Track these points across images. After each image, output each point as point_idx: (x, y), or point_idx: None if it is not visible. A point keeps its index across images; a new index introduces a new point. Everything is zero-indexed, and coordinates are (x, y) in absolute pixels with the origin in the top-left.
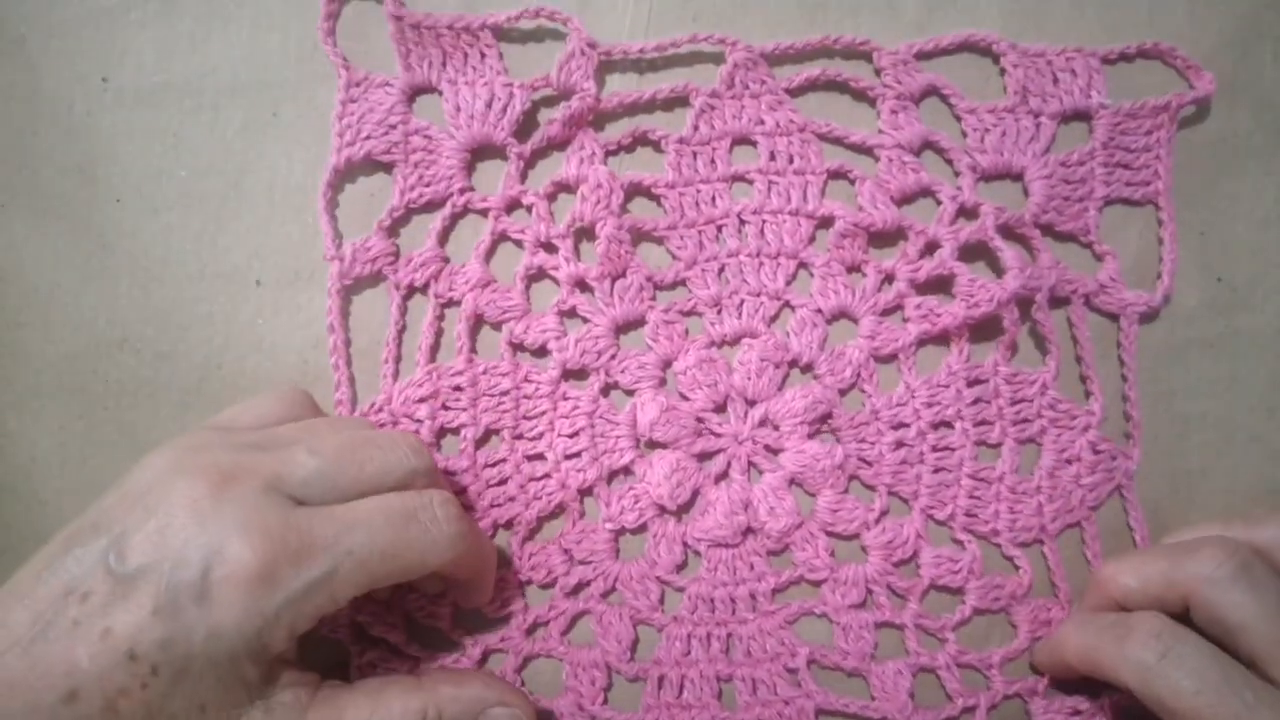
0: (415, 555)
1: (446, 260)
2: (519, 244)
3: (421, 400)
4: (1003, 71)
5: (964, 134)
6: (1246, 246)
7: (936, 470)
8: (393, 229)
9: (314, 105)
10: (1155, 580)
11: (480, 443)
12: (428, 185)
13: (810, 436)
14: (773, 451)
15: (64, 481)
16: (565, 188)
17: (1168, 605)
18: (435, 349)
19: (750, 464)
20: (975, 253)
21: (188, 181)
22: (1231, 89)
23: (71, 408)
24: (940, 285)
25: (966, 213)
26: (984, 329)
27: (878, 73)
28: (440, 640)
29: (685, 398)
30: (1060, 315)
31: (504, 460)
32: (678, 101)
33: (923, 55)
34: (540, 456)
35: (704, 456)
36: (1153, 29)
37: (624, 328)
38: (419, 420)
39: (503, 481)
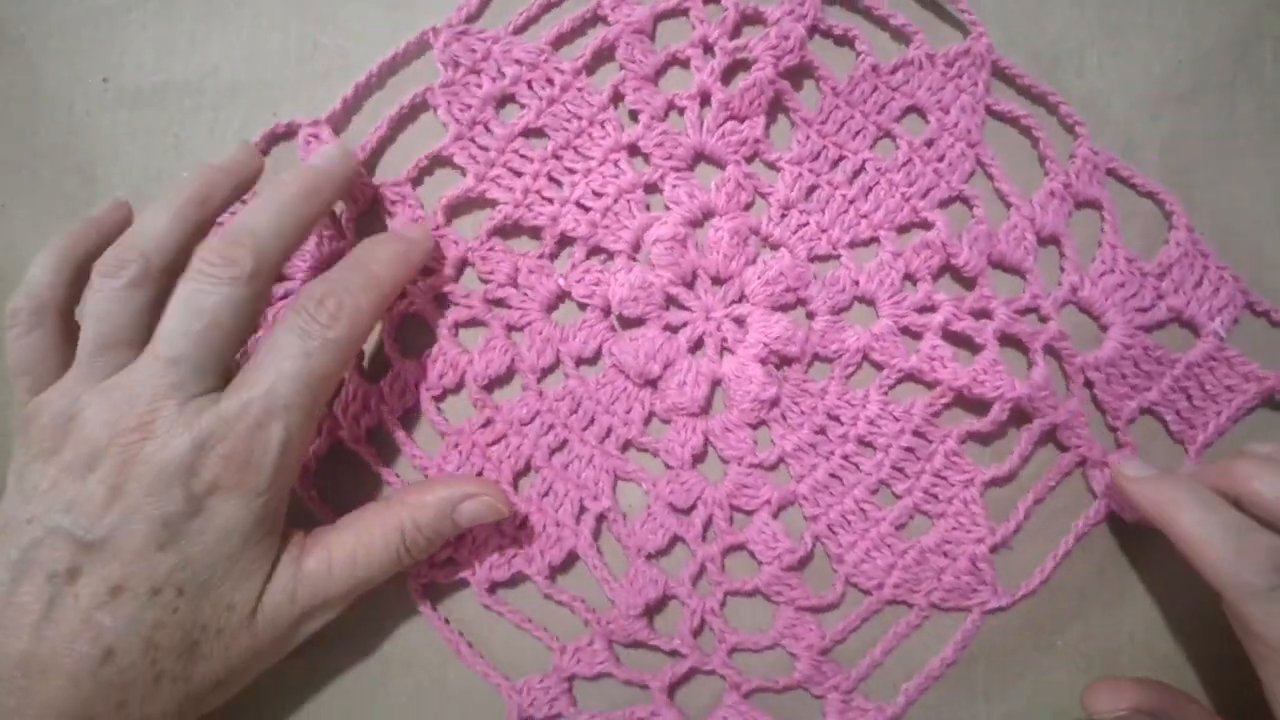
0: (336, 364)
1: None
2: (692, 26)
3: (518, 63)
4: (1165, 241)
5: (1093, 259)
6: (1246, 246)
7: (833, 475)
8: None
9: (314, 105)
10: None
11: (529, 133)
12: None
13: (762, 362)
14: (725, 349)
15: None
16: (760, 21)
17: None
18: (561, 42)
19: (701, 341)
20: (1015, 343)
21: None
22: (1232, 89)
23: None
24: (966, 345)
25: (1038, 314)
26: (978, 407)
27: (1071, 156)
28: None
29: (700, 250)
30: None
31: (531, 160)
32: (899, 36)
33: (1112, 174)
34: (558, 183)
35: (672, 301)
36: (1153, 29)
37: (704, 159)
38: (500, 74)
39: (517, 174)
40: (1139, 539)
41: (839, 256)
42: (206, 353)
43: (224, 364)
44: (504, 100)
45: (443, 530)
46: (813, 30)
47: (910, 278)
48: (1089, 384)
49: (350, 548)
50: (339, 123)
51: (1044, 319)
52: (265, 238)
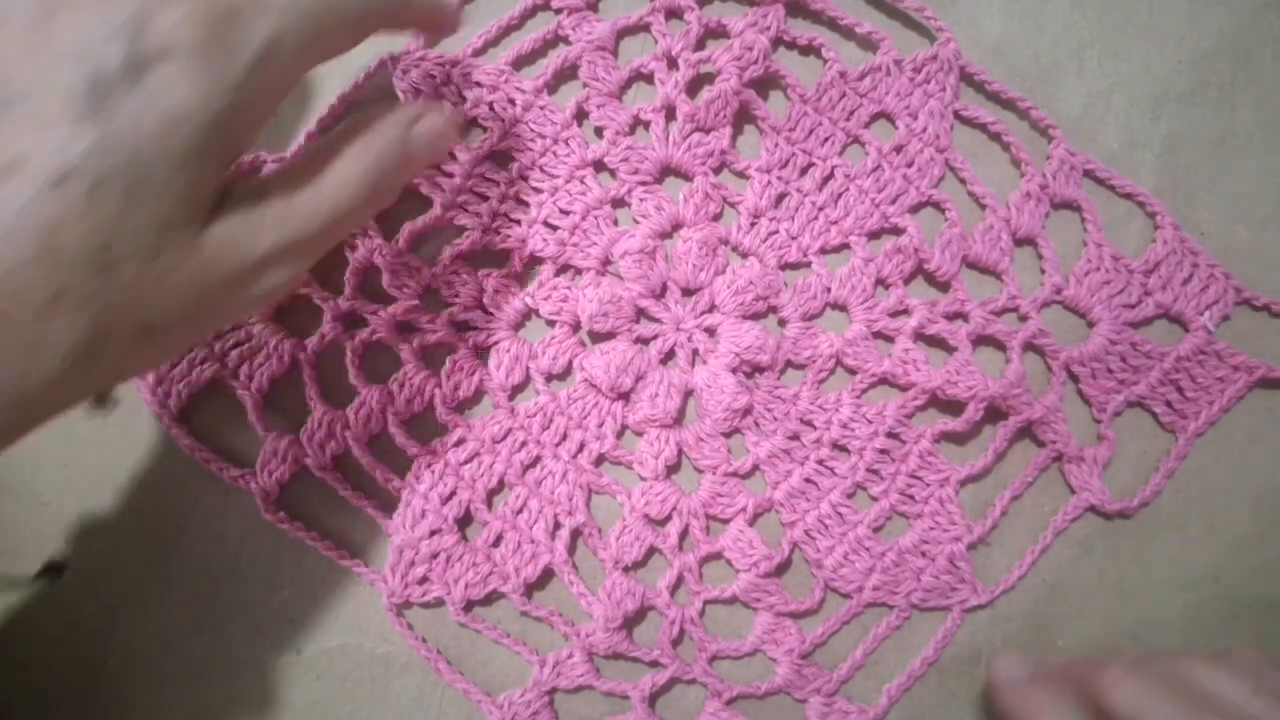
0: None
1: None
2: (654, 41)
3: (479, 85)
4: (1153, 240)
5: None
6: (1246, 246)
7: (808, 480)
8: None
9: (313, 105)
10: None
11: (493, 156)
12: None
13: (733, 370)
14: (698, 357)
15: (64, 481)
16: (724, 34)
17: None
18: (521, 63)
19: (672, 353)
20: (996, 343)
21: None
22: (1232, 89)
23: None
24: (941, 346)
25: (1017, 314)
26: (952, 406)
27: (1048, 158)
28: None
29: (669, 262)
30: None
31: (497, 183)
32: (867, 44)
33: (1089, 174)
34: (524, 204)
35: (642, 314)
36: (1152, 29)
37: (671, 172)
38: (461, 99)
39: (483, 198)
40: (1138, 538)
41: (810, 264)
42: None
43: None
44: (467, 126)
45: (394, 149)
46: (777, 42)
47: (882, 282)
48: (1074, 378)
49: (314, 173)
50: None
51: (1023, 318)
52: None
